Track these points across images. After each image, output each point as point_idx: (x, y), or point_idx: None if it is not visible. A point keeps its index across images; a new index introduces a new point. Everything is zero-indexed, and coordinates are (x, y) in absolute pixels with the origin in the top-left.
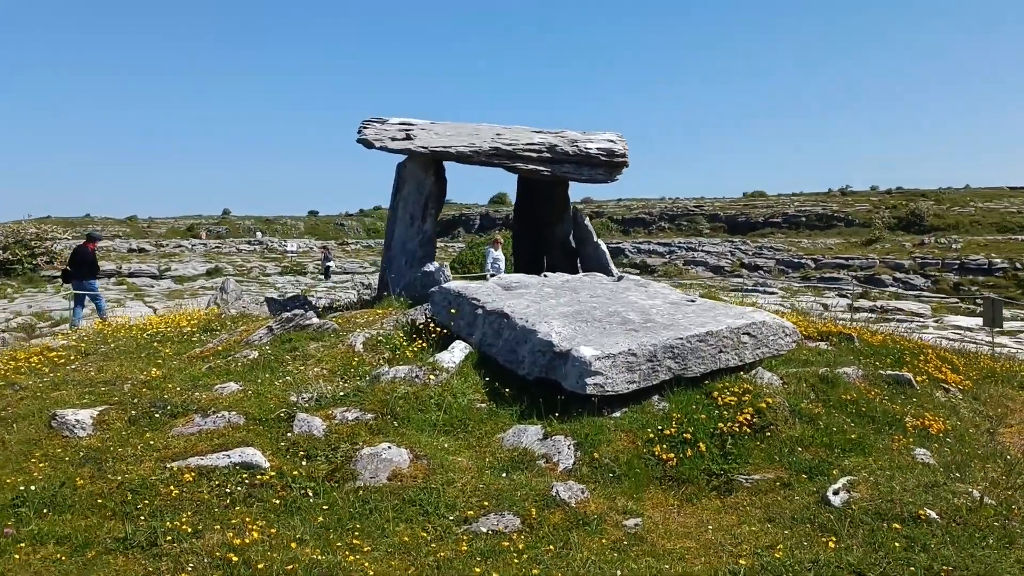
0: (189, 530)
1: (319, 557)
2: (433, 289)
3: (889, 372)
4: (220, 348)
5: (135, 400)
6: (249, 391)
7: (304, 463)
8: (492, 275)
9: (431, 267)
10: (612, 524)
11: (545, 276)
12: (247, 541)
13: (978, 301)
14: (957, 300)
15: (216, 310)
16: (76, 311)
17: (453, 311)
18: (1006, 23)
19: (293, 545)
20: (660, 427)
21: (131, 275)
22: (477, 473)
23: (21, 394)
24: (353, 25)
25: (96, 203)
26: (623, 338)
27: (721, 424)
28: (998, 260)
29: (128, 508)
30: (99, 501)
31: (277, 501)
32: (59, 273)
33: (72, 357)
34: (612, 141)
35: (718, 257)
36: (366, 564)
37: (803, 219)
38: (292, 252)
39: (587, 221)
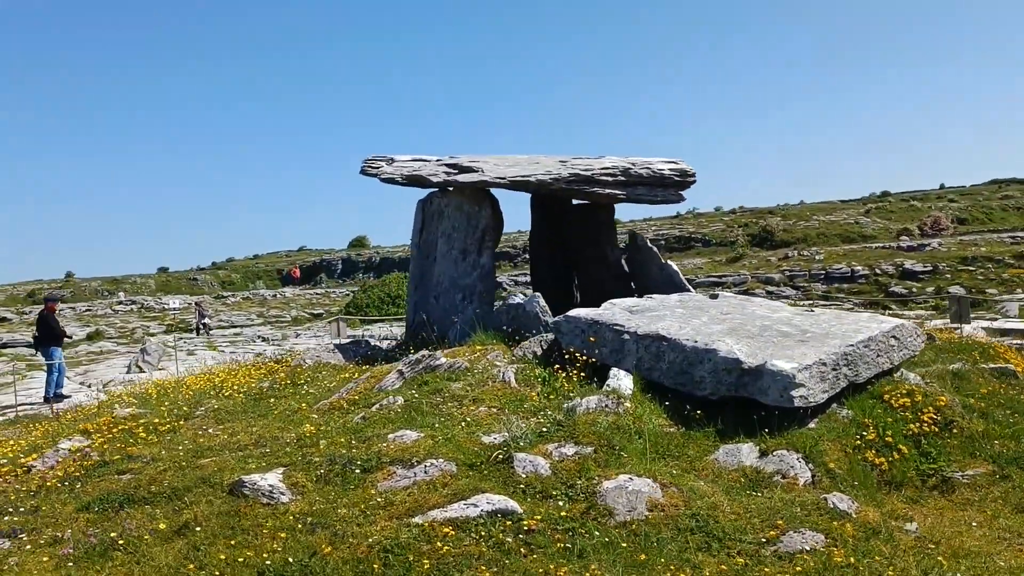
0: None
1: None
2: (556, 319)
3: (991, 366)
4: (355, 397)
5: (310, 459)
6: (437, 437)
7: (546, 503)
8: None
9: (518, 299)
10: (897, 530)
11: (611, 304)
12: None
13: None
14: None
15: (274, 365)
16: (49, 380)
17: (592, 339)
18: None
19: None
20: (860, 433)
21: (3, 345)
22: (726, 495)
23: (161, 465)
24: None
25: None
26: (801, 350)
27: (912, 425)
28: (859, 268)
29: (398, 571)
30: (360, 567)
31: (560, 545)
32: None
33: (170, 423)
34: (675, 162)
35: None
36: None
37: (663, 242)
38: (175, 309)
39: (648, 243)
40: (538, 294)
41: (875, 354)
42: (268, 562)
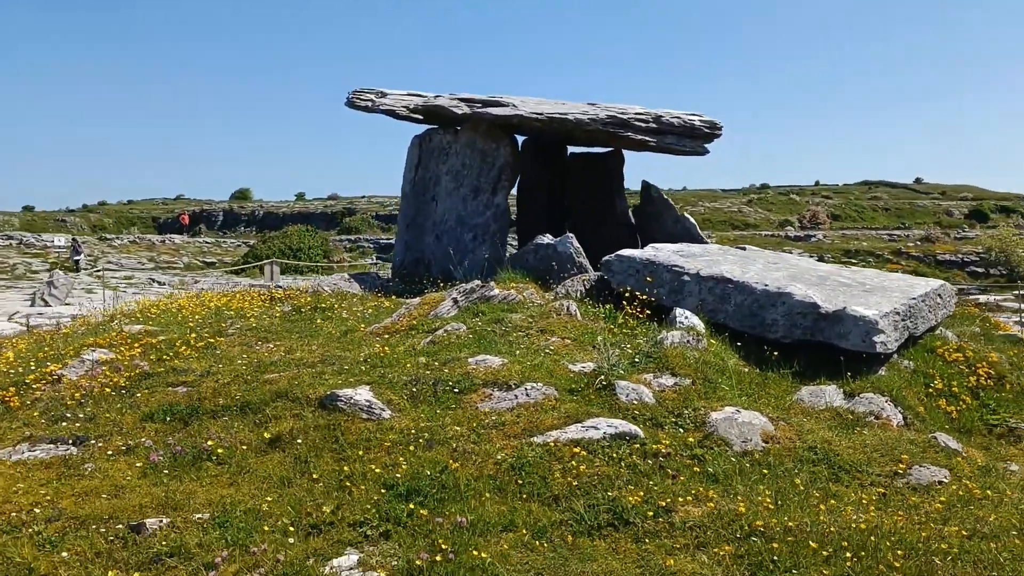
0: (662, 504)
1: (852, 519)
2: (608, 258)
3: (1000, 332)
4: (412, 323)
5: (392, 379)
6: (523, 363)
7: (660, 430)
8: None
9: (546, 239)
10: (1004, 470)
11: (655, 248)
12: (749, 509)
13: None
14: None
15: (278, 292)
16: None
17: (648, 279)
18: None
19: (794, 511)
20: (927, 383)
21: None
22: (829, 432)
23: (221, 379)
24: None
25: None
26: (873, 298)
27: (970, 379)
28: None
29: (536, 487)
30: (495, 483)
31: (696, 469)
32: None
33: (205, 340)
34: (701, 115)
35: None
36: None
37: None
38: (60, 247)
39: (663, 194)
40: (570, 235)
41: (928, 309)
42: (397, 475)
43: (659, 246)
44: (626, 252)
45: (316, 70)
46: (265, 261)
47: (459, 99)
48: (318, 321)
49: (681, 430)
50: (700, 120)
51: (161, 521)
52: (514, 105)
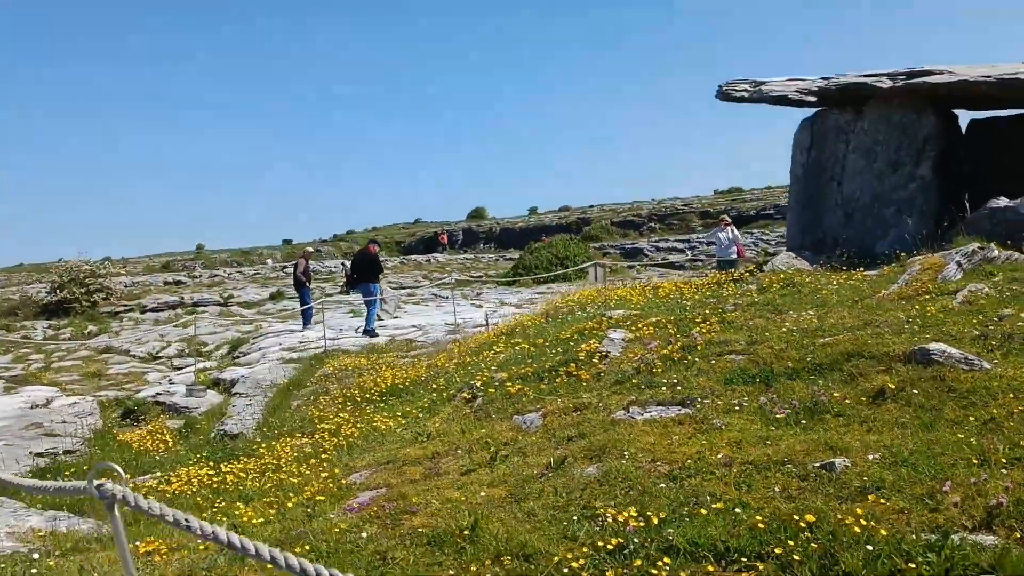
0: None
1: None
2: None
3: None
4: (923, 287)
5: (959, 334)
6: None
7: None
8: (722, 257)
9: (1001, 202)
10: None
11: None
12: None
13: None
14: None
15: (719, 275)
16: (370, 315)
17: None
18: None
19: None
20: None
21: (196, 304)
22: None
23: (774, 346)
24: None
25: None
26: None
27: None
28: None
29: None
30: None
31: None
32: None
33: (733, 315)
34: None
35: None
36: None
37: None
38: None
39: None
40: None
41: None
42: None
43: None
44: None
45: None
46: (587, 264)
47: (876, 75)
48: (807, 293)
49: None
50: None
51: (844, 461)
52: (951, 72)
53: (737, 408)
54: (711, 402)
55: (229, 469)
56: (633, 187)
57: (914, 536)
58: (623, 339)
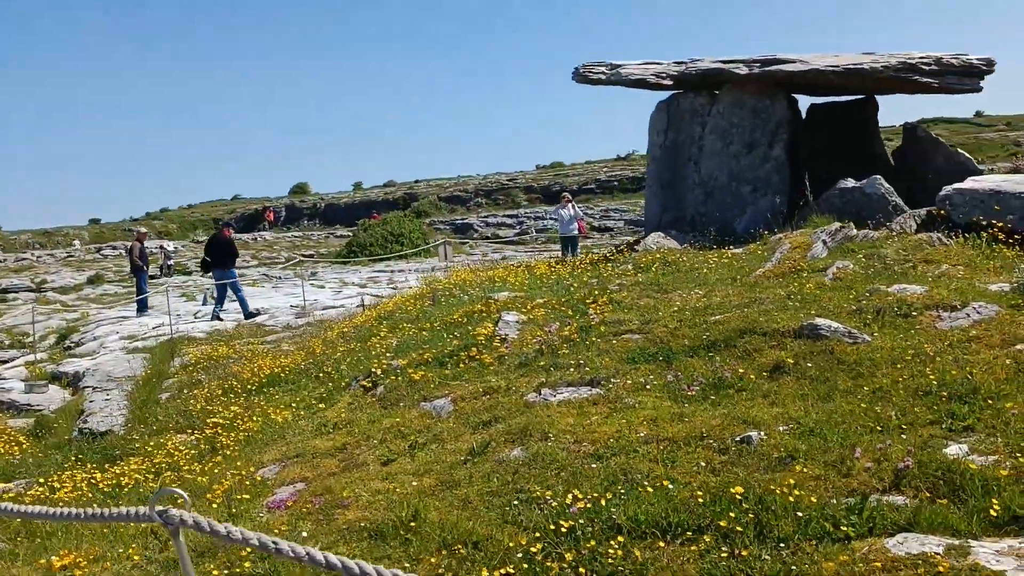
0: None
1: None
2: (946, 192)
3: None
4: (794, 265)
5: (835, 309)
6: (941, 289)
7: None
8: (564, 234)
9: (849, 183)
10: None
11: (975, 180)
12: None
13: None
14: None
15: (593, 256)
16: (241, 298)
17: (996, 208)
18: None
19: None
20: None
21: (5, 290)
22: None
23: (668, 324)
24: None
25: None
26: None
27: None
28: None
29: None
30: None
31: None
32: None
33: (605, 296)
34: (964, 55)
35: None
36: None
37: (615, 183)
38: (172, 252)
39: (930, 133)
40: (878, 176)
41: None
42: (930, 381)
43: (981, 179)
44: (966, 185)
45: (358, 58)
46: (437, 242)
47: (732, 61)
48: (685, 272)
49: None
50: (977, 59)
51: (759, 433)
52: (803, 61)
53: (647, 387)
54: (620, 381)
55: (121, 471)
56: (459, 163)
57: (835, 501)
58: (517, 321)
